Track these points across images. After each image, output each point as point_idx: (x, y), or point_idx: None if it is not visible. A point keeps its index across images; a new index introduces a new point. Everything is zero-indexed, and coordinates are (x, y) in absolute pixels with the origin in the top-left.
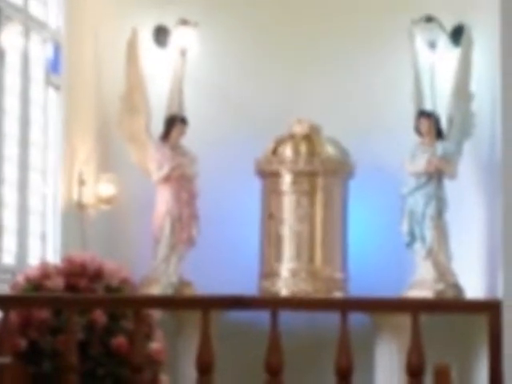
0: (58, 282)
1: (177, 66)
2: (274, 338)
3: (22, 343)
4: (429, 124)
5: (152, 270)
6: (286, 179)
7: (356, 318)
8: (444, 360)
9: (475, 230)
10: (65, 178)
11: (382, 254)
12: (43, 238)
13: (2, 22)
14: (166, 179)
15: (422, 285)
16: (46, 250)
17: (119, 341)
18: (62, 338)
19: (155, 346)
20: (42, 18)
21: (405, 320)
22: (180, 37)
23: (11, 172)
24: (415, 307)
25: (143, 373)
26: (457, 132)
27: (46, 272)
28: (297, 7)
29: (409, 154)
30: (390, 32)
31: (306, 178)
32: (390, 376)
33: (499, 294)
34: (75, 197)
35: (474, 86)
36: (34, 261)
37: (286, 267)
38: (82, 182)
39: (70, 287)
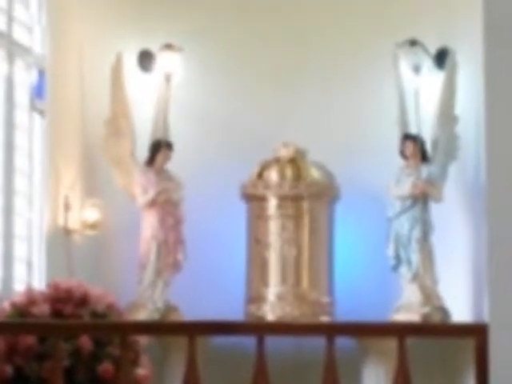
0: (43, 309)
1: (162, 91)
2: (261, 363)
3: (8, 370)
4: (414, 147)
5: (138, 295)
6: (272, 203)
7: (342, 342)
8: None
9: (461, 252)
10: (50, 204)
11: (368, 277)
12: (29, 263)
13: None
14: (152, 204)
15: (408, 308)
16: (31, 275)
17: (105, 367)
18: (48, 364)
19: (141, 371)
20: (26, 44)
21: (391, 343)
22: (165, 61)
23: None
24: (401, 331)
25: None
26: (442, 155)
27: (31, 298)
28: (282, 31)
29: (394, 178)
30: (374, 56)
31: (292, 202)
32: None
33: (485, 316)
34: (61, 222)
35: (459, 109)
36: (19, 287)
37: (272, 291)
38: (67, 207)
39: (56, 313)
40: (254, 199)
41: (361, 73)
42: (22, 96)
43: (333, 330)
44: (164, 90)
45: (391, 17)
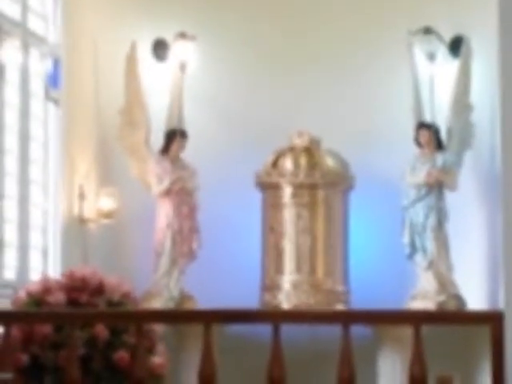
0: (59, 297)
1: (176, 80)
2: (276, 351)
3: (24, 358)
4: (428, 135)
5: (153, 283)
6: (287, 192)
7: (358, 330)
8: (446, 371)
9: (476, 240)
10: (65, 193)
11: (383, 265)
12: (44, 252)
13: (1, 37)
14: (167, 193)
15: (423, 296)
16: (47, 264)
17: (121, 355)
18: (64, 352)
19: (157, 360)
20: (41, 33)
21: (407, 331)
22: (179, 50)
23: (12, 187)
24: (417, 319)
25: None
26: (456, 143)
27: (47, 287)
28: (295, 19)
29: (409, 166)
30: (388, 44)
31: (307, 191)
32: None
33: (501, 304)
34: (76, 211)
35: (474, 97)
36: (35, 276)
37: (287, 280)
38: (82, 197)
39: (72, 302)
40: (268, 188)
41: (375, 61)
42: (37, 85)
43: (348, 318)
44: (178, 78)
45: (405, 5)
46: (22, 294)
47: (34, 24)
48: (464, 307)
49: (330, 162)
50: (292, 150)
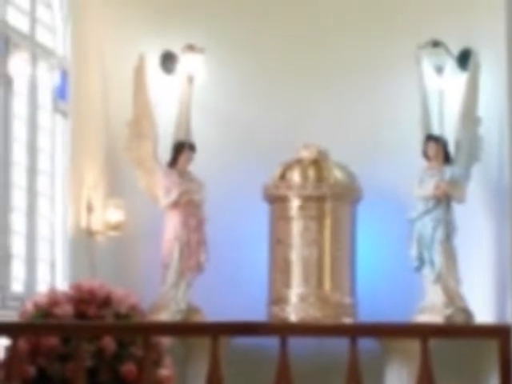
0: (66, 309)
1: (184, 92)
2: (284, 364)
3: (31, 370)
4: (436, 148)
5: (161, 296)
6: (294, 204)
7: (365, 343)
8: None
9: (484, 253)
10: (73, 205)
11: (391, 278)
12: (52, 264)
13: (10, 49)
14: (174, 205)
15: (431, 310)
16: (54, 276)
17: (128, 368)
18: (71, 365)
19: (164, 372)
20: (49, 46)
21: (414, 344)
22: (187, 63)
23: (20, 199)
24: (424, 332)
25: None
26: (465, 156)
27: (54, 299)
28: (303, 32)
29: (417, 179)
30: (397, 57)
31: (314, 203)
32: None
33: (509, 317)
34: (83, 223)
35: (482, 110)
36: (42, 288)
37: (294, 293)
38: (90, 209)
39: (79, 314)
40: (276, 200)
41: (383, 74)
42: (45, 97)
43: (356, 331)
44: (186, 91)
45: (414, 18)
46: (30, 306)
47: (43, 36)
48: (472, 321)
49: (337, 174)
50: (300, 162)
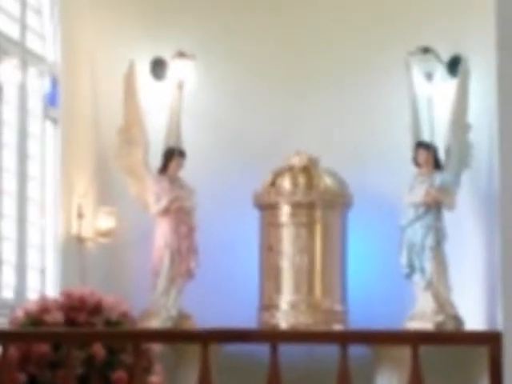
0: (57, 317)
1: (174, 99)
2: (274, 371)
3: (22, 378)
4: (427, 155)
5: (151, 303)
6: (285, 211)
7: (356, 350)
8: None
9: (474, 260)
10: (63, 212)
11: (381, 285)
12: (42, 271)
13: (0, 56)
14: (165, 212)
15: (421, 316)
16: (44, 284)
17: (119, 375)
18: (62, 372)
19: (155, 379)
20: (39, 52)
21: (405, 351)
22: (177, 69)
23: (10, 206)
24: (415, 339)
25: None
26: (455, 163)
27: (45, 306)
28: (294, 38)
29: (407, 185)
30: (386, 63)
31: (305, 210)
32: None
33: (499, 324)
34: (74, 230)
35: (472, 117)
36: (33, 295)
37: (285, 299)
38: (80, 216)
39: (70, 321)
40: (266, 207)
41: (373, 81)
42: (35, 104)
43: (346, 338)
44: (177, 97)
45: (404, 24)
46: (20, 314)
47: (33, 43)
48: (462, 327)
49: (328, 181)
50: (290, 169)
